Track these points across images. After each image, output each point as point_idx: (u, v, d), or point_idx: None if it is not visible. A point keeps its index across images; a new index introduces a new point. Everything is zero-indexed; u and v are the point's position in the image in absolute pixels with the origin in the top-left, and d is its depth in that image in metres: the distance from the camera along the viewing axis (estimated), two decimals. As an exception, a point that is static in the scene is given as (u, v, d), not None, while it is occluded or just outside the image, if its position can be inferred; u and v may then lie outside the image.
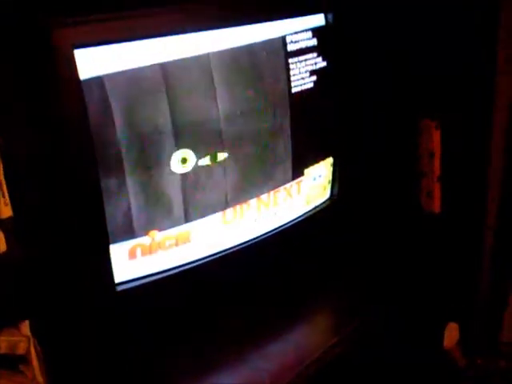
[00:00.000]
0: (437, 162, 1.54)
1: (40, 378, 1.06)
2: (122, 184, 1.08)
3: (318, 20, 1.34)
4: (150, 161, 1.11)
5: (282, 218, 1.35)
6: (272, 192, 1.29)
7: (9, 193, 1.04)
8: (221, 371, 1.20)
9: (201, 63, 1.13)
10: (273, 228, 1.34)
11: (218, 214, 1.23)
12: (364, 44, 1.50)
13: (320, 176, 1.40)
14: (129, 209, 1.11)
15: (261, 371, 1.21)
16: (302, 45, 1.29)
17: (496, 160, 1.62)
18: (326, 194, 1.47)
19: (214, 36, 1.13)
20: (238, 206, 1.24)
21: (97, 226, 1.09)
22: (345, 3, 1.40)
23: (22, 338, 1.06)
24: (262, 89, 1.23)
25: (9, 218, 1.05)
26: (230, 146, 1.19)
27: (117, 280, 1.15)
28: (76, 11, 0.99)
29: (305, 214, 1.41)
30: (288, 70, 1.26)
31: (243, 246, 1.29)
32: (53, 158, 1.05)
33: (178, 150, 1.12)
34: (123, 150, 1.06)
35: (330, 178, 1.46)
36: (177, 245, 1.19)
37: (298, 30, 1.28)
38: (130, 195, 1.09)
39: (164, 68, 1.08)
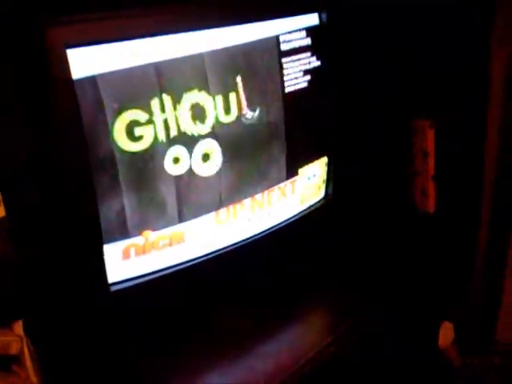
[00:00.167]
0: (431, 162, 1.54)
1: (33, 378, 1.06)
2: (116, 184, 1.08)
3: (312, 19, 1.34)
4: (144, 160, 1.10)
5: (276, 218, 1.35)
6: (266, 192, 1.29)
7: (1, 193, 1.04)
8: (215, 371, 1.20)
9: (194, 63, 1.13)
10: (267, 228, 1.34)
11: (212, 214, 1.23)
12: (358, 43, 1.50)
13: (314, 175, 1.40)
14: (122, 208, 1.10)
15: (255, 371, 1.21)
16: (296, 44, 1.29)
17: (490, 159, 1.62)
18: (321, 194, 1.47)
19: (208, 36, 1.13)
20: (231, 206, 1.24)
21: (90, 225, 1.09)
22: (339, 2, 1.40)
23: (14, 338, 1.06)
24: (256, 88, 1.22)
25: (2, 218, 1.05)
26: (223, 146, 1.19)
27: (111, 280, 1.15)
28: (69, 11, 0.99)
29: (299, 213, 1.41)
30: (282, 69, 1.26)
31: (237, 245, 1.29)
32: (45, 158, 1.05)
33: (170, 149, 1.12)
34: (116, 150, 1.06)
35: (325, 177, 1.46)
36: (171, 245, 1.19)
37: (292, 29, 1.28)
38: (124, 195, 1.09)
39: (157, 68, 1.08)
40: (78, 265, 1.12)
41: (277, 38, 1.24)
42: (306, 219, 1.44)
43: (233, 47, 1.16)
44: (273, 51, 1.24)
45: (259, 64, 1.22)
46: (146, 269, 1.19)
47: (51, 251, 1.12)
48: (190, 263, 1.23)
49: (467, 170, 1.57)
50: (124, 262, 1.14)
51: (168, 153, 1.12)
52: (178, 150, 1.13)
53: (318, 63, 1.33)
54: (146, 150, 1.09)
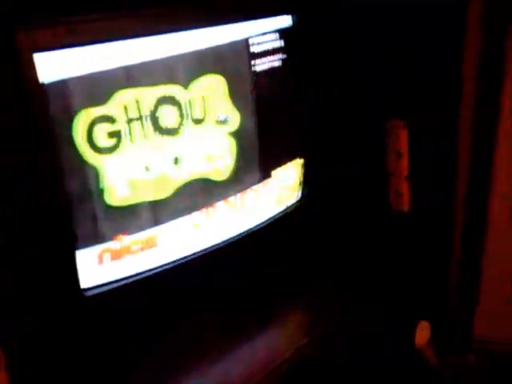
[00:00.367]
0: (405, 162, 1.55)
1: (3, 384, 1.05)
2: (87, 188, 1.07)
3: (285, 21, 1.34)
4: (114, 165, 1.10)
5: (251, 221, 1.35)
6: (239, 194, 1.29)
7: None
8: (191, 374, 1.20)
9: (165, 66, 1.12)
10: (242, 231, 1.34)
11: (185, 218, 1.22)
12: (332, 44, 1.51)
13: (289, 177, 1.40)
14: (94, 213, 1.10)
15: (231, 373, 1.21)
16: (268, 46, 1.30)
17: (463, 159, 1.64)
18: (297, 196, 1.47)
19: (178, 38, 1.13)
20: (204, 209, 1.24)
21: (63, 231, 1.08)
22: (311, 4, 1.40)
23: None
24: (228, 91, 1.23)
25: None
26: (195, 150, 1.19)
27: (86, 285, 1.14)
28: (38, 15, 0.98)
29: (275, 215, 1.41)
30: (253, 71, 1.27)
31: (212, 249, 1.28)
32: (15, 163, 1.04)
33: (141, 152, 1.12)
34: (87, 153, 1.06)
35: (301, 179, 1.46)
36: (144, 249, 1.19)
37: (264, 31, 1.28)
38: (95, 199, 1.09)
39: (128, 71, 1.07)
40: (51, 270, 1.11)
41: (247, 40, 1.24)
42: (281, 221, 1.44)
43: (204, 50, 1.16)
44: (243, 53, 1.24)
45: (230, 67, 1.22)
46: (120, 274, 1.18)
47: (24, 257, 1.11)
48: (164, 267, 1.22)
49: (441, 169, 1.58)
50: (99, 266, 1.14)
51: (139, 156, 1.11)
52: (150, 154, 1.13)
53: (290, 65, 1.34)
54: (116, 155, 1.08)
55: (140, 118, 1.10)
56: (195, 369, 1.23)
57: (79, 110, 1.03)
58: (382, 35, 1.50)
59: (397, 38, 1.48)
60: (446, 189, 1.57)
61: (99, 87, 1.05)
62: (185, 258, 1.26)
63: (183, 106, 1.16)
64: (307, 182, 1.48)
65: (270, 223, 1.42)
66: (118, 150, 1.08)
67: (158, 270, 1.23)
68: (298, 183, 1.47)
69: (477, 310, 1.87)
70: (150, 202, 1.16)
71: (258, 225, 1.39)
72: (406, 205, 1.58)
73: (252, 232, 1.38)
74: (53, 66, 0.99)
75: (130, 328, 1.23)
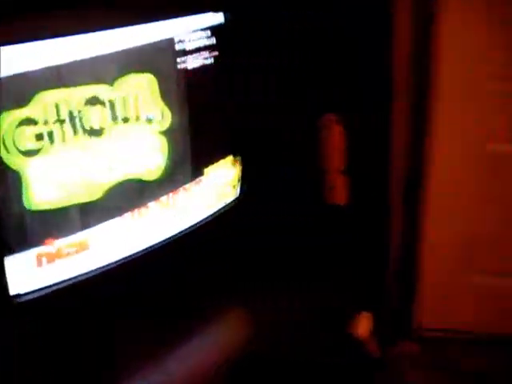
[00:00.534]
0: (340, 156, 1.57)
1: None
2: (14, 193, 1.04)
3: (216, 18, 1.34)
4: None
5: (186, 220, 1.34)
6: (172, 194, 1.28)
7: None
8: (132, 375, 1.19)
9: (89, 66, 1.10)
10: (178, 231, 1.32)
11: (117, 219, 1.20)
12: (263, 40, 1.51)
13: (223, 175, 1.39)
14: (22, 217, 1.07)
15: (173, 373, 1.20)
16: (200, 43, 1.29)
17: (397, 152, 1.67)
18: (235, 193, 1.47)
19: (102, 38, 1.11)
20: (137, 210, 1.22)
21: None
22: (241, 2, 1.40)
23: None
24: (158, 89, 1.21)
25: None
26: (124, 150, 1.17)
27: (18, 291, 1.11)
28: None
29: (212, 214, 1.41)
30: (184, 69, 1.25)
31: (147, 250, 1.27)
32: None
33: (67, 154, 1.09)
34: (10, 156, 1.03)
35: (239, 176, 1.46)
36: (78, 252, 1.16)
37: (194, 28, 1.27)
38: (21, 203, 1.06)
39: (51, 72, 1.05)
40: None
41: (175, 38, 1.22)
42: (219, 219, 1.43)
43: (129, 49, 1.15)
44: (172, 52, 1.22)
45: (160, 65, 1.20)
46: (56, 277, 1.15)
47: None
48: (98, 270, 1.20)
49: (377, 163, 1.61)
50: (35, 271, 1.11)
51: (66, 158, 1.09)
52: (77, 155, 1.11)
53: (222, 62, 1.33)
54: (41, 157, 1.06)
55: (65, 120, 1.07)
56: (136, 370, 1.21)
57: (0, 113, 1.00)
58: (313, 31, 1.51)
59: (326, 34, 1.50)
60: (382, 182, 1.60)
61: (21, 89, 1.02)
62: (119, 260, 1.24)
63: (111, 106, 1.14)
64: (244, 179, 1.47)
65: (207, 222, 1.41)
66: (43, 153, 1.05)
67: (92, 273, 1.20)
68: (236, 180, 1.46)
69: (417, 299, 1.91)
70: (79, 205, 1.13)
71: (195, 224, 1.37)
72: (342, 199, 1.60)
73: (189, 231, 1.36)
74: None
75: (67, 331, 1.20)
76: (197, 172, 1.33)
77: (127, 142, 1.18)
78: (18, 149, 1.03)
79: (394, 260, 1.80)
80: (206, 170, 1.35)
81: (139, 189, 1.22)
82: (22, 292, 1.12)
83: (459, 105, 1.72)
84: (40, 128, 1.05)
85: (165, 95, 1.23)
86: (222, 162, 1.40)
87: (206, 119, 1.33)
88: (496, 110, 1.72)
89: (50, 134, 1.06)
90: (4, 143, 1.01)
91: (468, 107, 1.72)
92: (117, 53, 1.13)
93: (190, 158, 1.31)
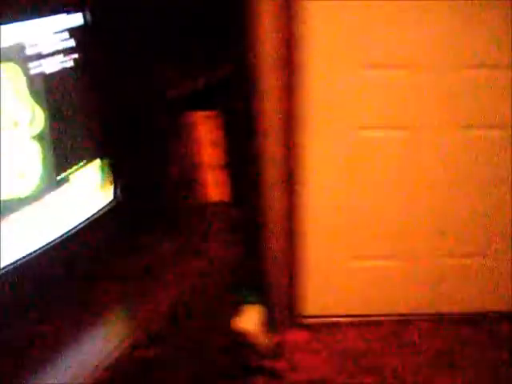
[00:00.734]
0: (215, 152, 1.58)
1: None
2: None
3: (75, 20, 1.30)
4: None
5: (58, 228, 1.28)
6: (38, 202, 1.22)
7: None
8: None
9: None
10: (51, 239, 1.27)
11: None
12: (126, 41, 1.49)
13: (91, 179, 1.35)
14: None
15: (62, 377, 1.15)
16: (58, 46, 1.25)
17: (272, 145, 1.71)
18: (107, 197, 1.43)
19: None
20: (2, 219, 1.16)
21: None
22: (102, 3, 1.37)
23: None
24: (16, 93, 1.16)
25: None
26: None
27: None
28: None
29: (85, 219, 1.36)
30: (41, 73, 1.21)
31: (22, 261, 1.20)
32: None
33: None
34: None
35: (111, 179, 1.42)
36: None
37: (54, 30, 1.23)
38: None
39: None
40: None
41: (27, 41, 1.17)
42: (94, 224, 1.39)
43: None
44: (27, 54, 1.17)
45: (16, 68, 1.15)
46: None
47: None
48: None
49: (251, 159, 1.64)
50: None
51: None
52: None
53: (83, 64, 1.30)
54: None
55: None
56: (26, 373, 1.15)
57: None
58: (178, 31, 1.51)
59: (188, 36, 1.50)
60: (256, 177, 1.63)
61: None
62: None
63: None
64: (115, 183, 1.44)
65: (81, 227, 1.36)
66: None
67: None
68: (107, 183, 1.43)
69: (300, 288, 1.97)
70: None
71: (68, 231, 1.32)
72: (220, 194, 1.61)
73: (63, 238, 1.31)
74: None
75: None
76: (62, 178, 1.28)
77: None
78: None
79: (275, 252, 1.84)
80: (72, 176, 1.30)
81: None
82: None
83: (330, 94, 1.79)
84: None
85: (24, 99, 1.17)
86: (89, 166, 1.36)
87: (68, 123, 1.29)
88: (366, 97, 1.81)
89: None
90: None
91: (339, 95, 1.80)
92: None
93: (54, 164, 1.25)
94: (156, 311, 1.37)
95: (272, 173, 1.74)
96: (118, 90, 1.41)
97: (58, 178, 1.26)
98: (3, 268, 1.16)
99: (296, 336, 1.94)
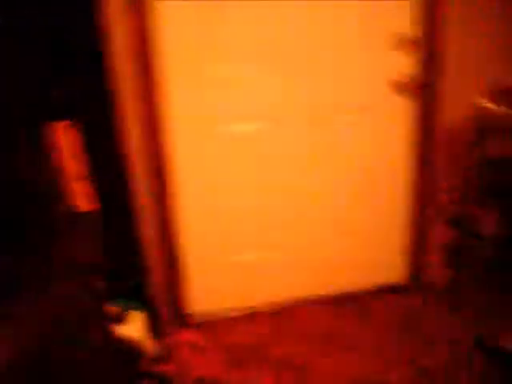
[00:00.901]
0: (76, 162, 1.53)
1: None
2: None
3: None
4: None
5: None
6: None
7: None
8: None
9: None
10: None
11: None
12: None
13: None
14: None
15: None
16: None
17: (136, 147, 1.68)
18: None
19: None
20: None
21: None
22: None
23: None
24: None
25: None
26: None
27: None
28: None
29: None
30: None
31: None
32: None
33: None
34: None
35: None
36: None
37: None
38: None
39: None
40: None
41: None
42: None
43: None
44: None
45: None
46: None
47: None
48: None
49: (116, 164, 1.60)
50: None
51: None
52: None
53: None
54: None
55: None
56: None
57: None
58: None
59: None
60: (124, 182, 1.60)
61: None
62: None
63: None
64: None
65: None
66: None
67: None
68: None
69: (186, 288, 1.96)
70: None
71: None
72: (87, 204, 1.57)
73: None
74: None
75: None
76: None
77: None
78: None
79: (154, 255, 1.82)
80: None
81: None
82: None
83: (191, 91, 1.79)
84: None
85: None
86: None
87: None
88: (221, 93, 1.81)
89: None
90: None
91: (199, 91, 1.79)
92: None
93: None
94: (19, 336, 1.32)
95: (139, 176, 1.72)
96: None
97: None
98: None
99: (184, 336, 1.94)
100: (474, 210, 1.98)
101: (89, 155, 1.55)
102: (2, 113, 1.42)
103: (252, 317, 2.05)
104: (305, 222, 2.03)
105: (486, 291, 2.02)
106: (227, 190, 1.93)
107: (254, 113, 1.87)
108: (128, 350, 1.72)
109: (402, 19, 1.84)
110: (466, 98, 1.90)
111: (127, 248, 1.68)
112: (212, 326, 2.01)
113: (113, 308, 1.67)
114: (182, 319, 2.01)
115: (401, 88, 1.92)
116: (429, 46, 1.87)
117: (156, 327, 1.86)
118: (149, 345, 1.82)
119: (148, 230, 1.80)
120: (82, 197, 1.56)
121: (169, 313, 1.96)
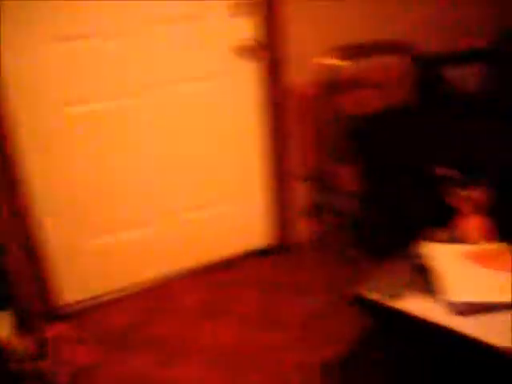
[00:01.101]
0: None
1: None
2: None
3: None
4: None
5: None
6: None
7: None
8: None
9: None
10: None
11: None
12: None
13: None
14: None
15: None
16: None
17: None
18: None
19: None
20: None
21: None
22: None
23: None
24: None
25: None
26: None
27: None
28: None
29: None
30: None
31: None
32: None
33: None
34: None
35: None
36: None
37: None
38: None
39: None
40: None
41: None
42: None
43: None
44: None
45: None
46: None
47: None
48: None
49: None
50: None
51: None
52: None
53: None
54: None
55: None
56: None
57: None
58: None
59: None
60: None
61: None
62: None
63: None
64: None
65: None
66: None
67: None
68: None
69: (50, 280, 1.91)
70: None
71: None
72: None
73: None
74: None
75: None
76: None
77: None
78: None
79: (16, 253, 1.78)
80: None
81: None
82: None
83: (28, 72, 1.71)
84: None
85: None
86: None
87: None
88: (66, 71, 1.77)
89: None
90: None
91: (36, 72, 1.73)
92: None
93: None
94: None
95: None
96: None
97: None
98: None
99: (57, 329, 1.88)
100: (332, 167, 2.06)
101: None
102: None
103: (126, 298, 2.03)
104: (166, 195, 2.03)
105: (351, 246, 2.11)
106: (81, 171, 1.89)
107: (100, 91, 1.84)
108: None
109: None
110: (311, 57, 1.94)
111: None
112: (86, 314, 1.96)
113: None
114: (54, 312, 1.95)
115: (245, 52, 1.95)
116: (268, 7, 1.90)
117: (26, 324, 1.81)
118: (19, 343, 1.78)
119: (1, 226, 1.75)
120: None
121: (38, 308, 1.91)
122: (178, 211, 2.08)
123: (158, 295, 2.04)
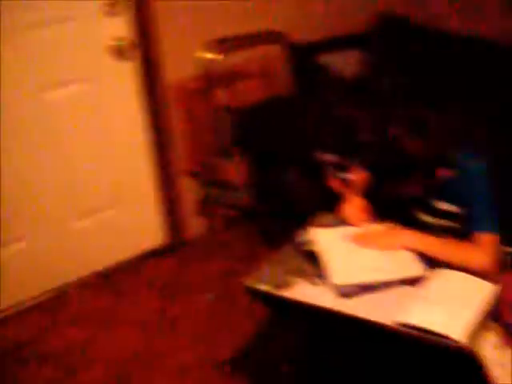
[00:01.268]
0: None
1: None
2: None
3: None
4: None
5: None
6: None
7: None
8: None
9: None
10: None
11: None
12: None
13: None
14: None
15: None
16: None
17: None
18: None
19: None
20: None
21: None
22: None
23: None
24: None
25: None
26: None
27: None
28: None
29: None
30: None
31: None
32: None
33: None
34: None
35: None
36: None
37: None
38: None
39: None
40: None
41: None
42: None
43: None
44: None
45: None
46: None
47: None
48: None
49: None
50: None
51: None
52: None
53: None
54: None
55: None
56: None
57: None
58: None
59: None
60: None
61: None
62: None
63: None
64: None
65: None
66: None
67: None
68: None
69: None
70: None
71: None
72: None
73: None
74: None
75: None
76: None
77: None
78: None
79: None
80: None
81: None
82: None
83: None
84: None
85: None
86: None
87: None
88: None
89: None
90: None
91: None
92: None
93: None
94: None
95: None
96: None
97: None
98: None
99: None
100: (219, 161, 2.05)
101: None
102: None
103: (22, 312, 1.94)
104: (52, 204, 1.95)
105: (241, 238, 2.16)
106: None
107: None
108: None
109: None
110: (191, 51, 1.92)
111: None
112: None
113: None
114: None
115: (118, 53, 1.89)
116: (138, 5, 1.87)
117: None
118: None
119: None
120: None
121: None
122: (65, 219, 2.00)
123: (55, 307, 1.96)
